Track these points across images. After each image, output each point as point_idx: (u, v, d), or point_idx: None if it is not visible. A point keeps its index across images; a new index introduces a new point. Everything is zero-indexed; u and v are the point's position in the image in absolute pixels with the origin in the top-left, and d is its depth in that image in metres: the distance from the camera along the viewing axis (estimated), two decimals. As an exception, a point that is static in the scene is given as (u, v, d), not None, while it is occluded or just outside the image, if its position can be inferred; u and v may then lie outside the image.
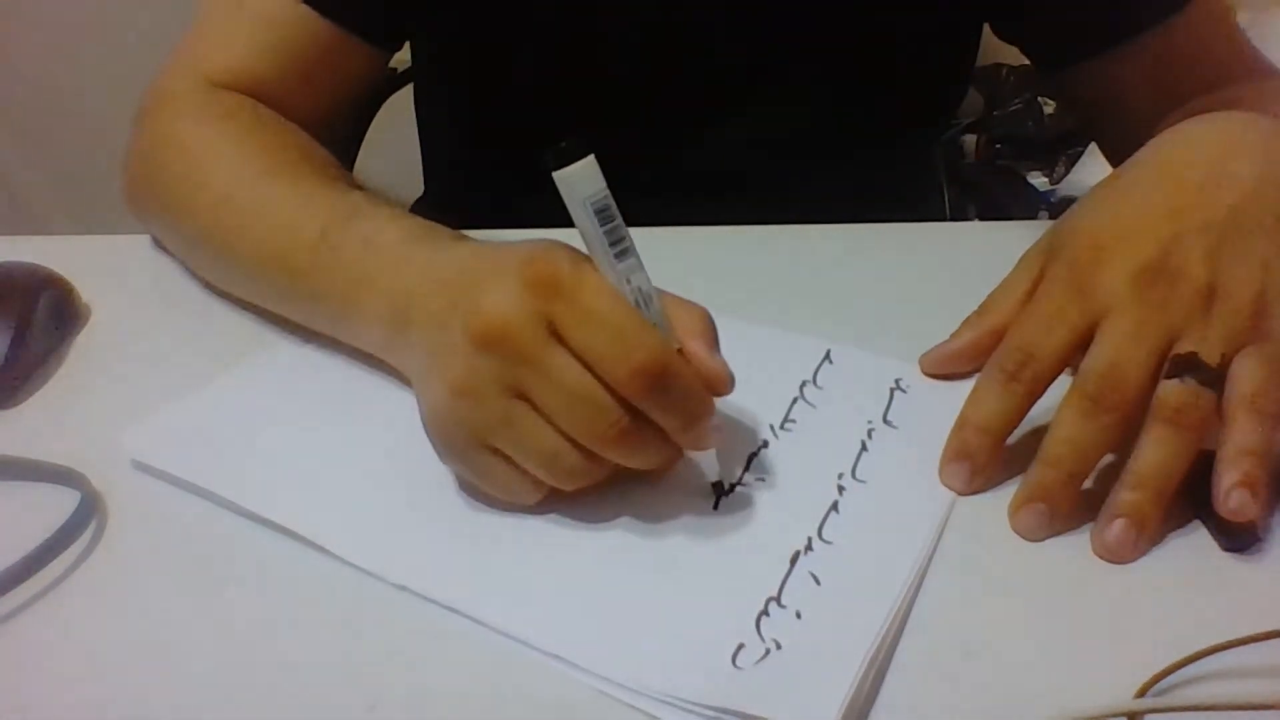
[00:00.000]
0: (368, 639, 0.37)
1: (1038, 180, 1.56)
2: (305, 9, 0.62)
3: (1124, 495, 0.40)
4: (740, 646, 0.36)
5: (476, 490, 0.42)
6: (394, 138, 0.99)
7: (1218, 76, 0.64)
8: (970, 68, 0.77)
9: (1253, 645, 0.35)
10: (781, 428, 0.47)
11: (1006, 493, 0.43)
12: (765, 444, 0.46)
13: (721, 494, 0.43)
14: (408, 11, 0.67)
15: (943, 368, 0.50)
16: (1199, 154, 0.46)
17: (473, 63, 0.70)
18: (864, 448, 0.46)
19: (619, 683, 0.35)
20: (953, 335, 0.50)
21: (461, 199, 0.81)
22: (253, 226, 0.52)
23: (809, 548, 0.40)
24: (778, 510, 0.42)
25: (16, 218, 1.72)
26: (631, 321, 0.38)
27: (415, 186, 0.88)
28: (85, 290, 0.57)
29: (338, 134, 0.67)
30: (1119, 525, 0.40)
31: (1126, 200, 0.46)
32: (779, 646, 0.36)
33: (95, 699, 0.35)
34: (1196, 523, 0.42)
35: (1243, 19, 0.67)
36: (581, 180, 0.37)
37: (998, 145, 1.61)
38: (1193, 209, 0.43)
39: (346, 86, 0.67)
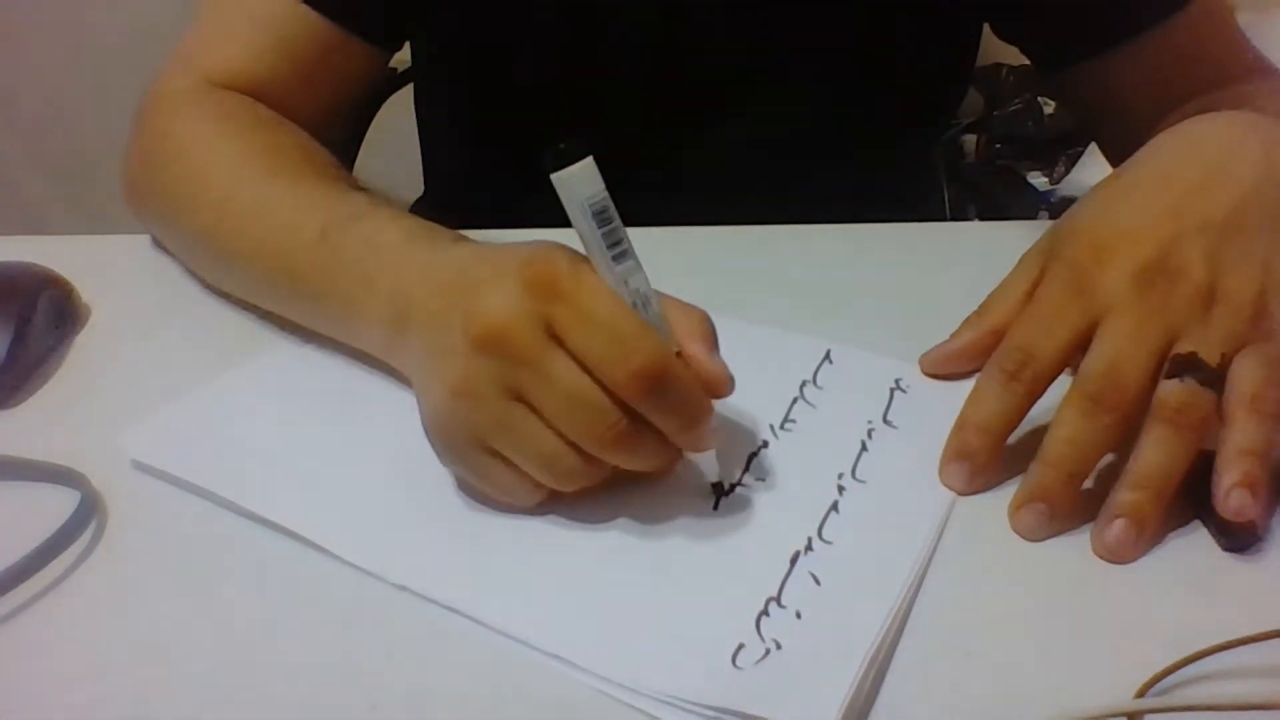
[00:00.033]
0: (368, 639, 0.37)
1: (1038, 180, 1.56)
2: (305, 9, 0.62)
3: (1124, 495, 0.40)
4: (740, 646, 0.36)
5: (476, 491, 0.42)
6: (394, 138, 0.99)
7: (1218, 76, 0.64)
8: (970, 68, 0.77)
9: (1253, 645, 0.35)
10: (781, 428, 0.47)
11: (1006, 493, 0.43)
12: (765, 444, 0.46)
13: (721, 494, 0.43)
14: (408, 11, 0.67)
15: (943, 368, 0.50)
16: (1199, 154, 0.46)
17: (473, 63, 0.70)
18: (864, 448, 0.46)
19: (619, 683, 0.35)
20: (953, 335, 0.50)
21: (461, 199, 0.81)
22: (253, 227, 0.52)
23: (809, 548, 0.40)
24: (777, 510, 0.42)
25: (16, 218, 1.72)
26: (630, 324, 0.38)
27: (415, 186, 0.88)
28: (85, 290, 0.57)
29: (338, 134, 0.67)
30: (1119, 525, 0.40)
31: (1126, 200, 0.46)
32: (779, 646, 0.36)
33: (95, 699, 0.35)
34: (1196, 523, 0.42)
35: (1243, 19, 0.67)
36: (580, 182, 0.37)
37: (998, 145, 1.61)
38: (1193, 209, 0.43)
39: (346, 86, 0.67)
